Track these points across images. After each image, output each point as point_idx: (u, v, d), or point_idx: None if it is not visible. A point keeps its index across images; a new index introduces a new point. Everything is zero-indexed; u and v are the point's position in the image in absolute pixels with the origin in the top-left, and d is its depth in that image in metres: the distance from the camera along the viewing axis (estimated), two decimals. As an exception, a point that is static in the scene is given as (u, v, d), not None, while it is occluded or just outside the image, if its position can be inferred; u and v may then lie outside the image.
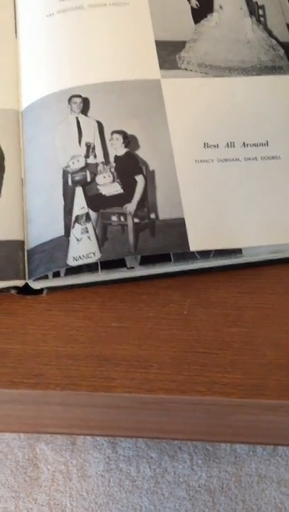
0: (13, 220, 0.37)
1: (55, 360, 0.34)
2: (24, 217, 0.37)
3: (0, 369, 0.34)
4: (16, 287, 0.36)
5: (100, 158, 0.38)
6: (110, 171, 0.37)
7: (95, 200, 0.36)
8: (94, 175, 0.37)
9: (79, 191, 0.37)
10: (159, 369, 0.34)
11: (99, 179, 0.37)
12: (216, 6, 0.43)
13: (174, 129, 0.38)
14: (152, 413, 0.40)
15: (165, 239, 0.35)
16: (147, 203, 0.36)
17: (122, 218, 0.36)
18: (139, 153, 0.38)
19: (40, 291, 0.36)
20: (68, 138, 0.38)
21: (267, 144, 0.38)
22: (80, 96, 0.39)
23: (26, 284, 0.36)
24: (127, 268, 0.36)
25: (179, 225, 0.36)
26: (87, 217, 0.36)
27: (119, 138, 0.38)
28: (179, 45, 0.41)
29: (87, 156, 0.38)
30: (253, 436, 0.47)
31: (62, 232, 0.36)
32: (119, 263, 0.35)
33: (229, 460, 0.54)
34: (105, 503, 0.52)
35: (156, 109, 0.39)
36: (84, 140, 0.38)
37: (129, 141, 0.38)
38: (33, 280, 0.35)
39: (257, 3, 0.44)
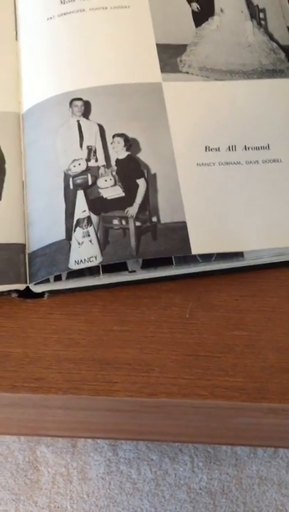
0: (14, 223, 0.37)
1: (57, 364, 0.34)
2: (25, 220, 0.37)
3: (1, 373, 0.34)
4: (17, 291, 0.36)
5: (102, 162, 0.38)
6: (112, 174, 0.37)
7: (97, 204, 0.36)
8: (95, 178, 0.37)
9: (80, 195, 0.37)
10: (161, 373, 0.34)
11: (100, 182, 0.37)
12: (216, 9, 0.43)
13: (176, 133, 0.38)
14: (154, 416, 0.40)
15: (167, 242, 0.35)
16: (149, 206, 0.36)
17: (124, 222, 0.36)
18: (141, 156, 0.38)
19: (41, 294, 0.36)
20: (69, 141, 0.38)
21: (268, 147, 0.38)
22: (81, 99, 0.39)
23: (27, 287, 0.36)
24: (129, 271, 0.36)
25: (180, 229, 0.36)
26: (89, 220, 0.36)
27: (121, 141, 0.38)
28: (180, 49, 0.41)
29: (88, 160, 0.38)
30: (254, 439, 0.47)
31: (63, 236, 0.36)
32: (120, 266, 0.35)
33: (230, 462, 0.54)
34: (106, 505, 0.52)
35: (157, 112, 0.39)
36: (85, 143, 0.38)
37: (131, 144, 0.38)
38: (34, 284, 0.35)
39: (258, 6, 0.44)
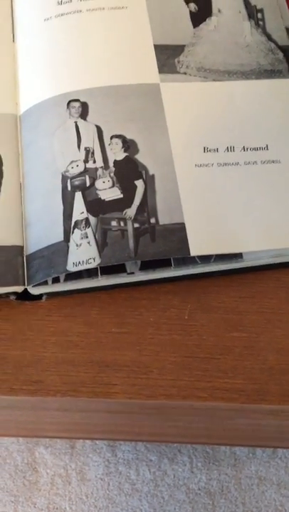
0: (11, 225, 0.37)
1: (55, 366, 0.34)
2: (23, 222, 0.37)
3: (-1, 375, 0.34)
4: (15, 293, 0.36)
5: (100, 163, 0.37)
6: (110, 175, 0.37)
7: (95, 205, 0.36)
8: (93, 180, 0.37)
9: (78, 196, 0.36)
10: (160, 374, 0.34)
11: (98, 184, 0.37)
12: (214, 9, 0.43)
13: (174, 134, 0.38)
14: (153, 418, 0.40)
15: (165, 244, 0.35)
16: (147, 207, 0.36)
17: (122, 223, 0.36)
18: (139, 157, 0.38)
19: (39, 296, 0.36)
20: (67, 142, 0.38)
21: (267, 147, 0.38)
22: (78, 100, 0.39)
23: (25, 289, 0.36)
24: (127, 273, 0.35)
25: (179, 230, 0.36)
26: (87, 222, 0.36)
27: (119, 142, 0.38)
28: (177, 49, 0.41)
29: (86, 161, 0.37)
30: (253, 440, 0.47)
31: (61, 238, 0.36)
32: (119, 268, 0.35)
33: (229, 462, 0.54)
34: (105, 506, 0.52)
35: (155, 113, 0.39)
36: (83, 145, 0.38)
37: (129, 145, 0.38)
38: (33, 286, 0.35)
39: (256, 6, 0.44)
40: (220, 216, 0.36)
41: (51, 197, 0.37)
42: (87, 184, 0.37)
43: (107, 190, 0.37)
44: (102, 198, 0.37)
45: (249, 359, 0.34)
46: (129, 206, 0.36)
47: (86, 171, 0.37)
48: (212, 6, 0.43)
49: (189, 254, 0.35)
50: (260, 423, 0.40)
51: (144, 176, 0.37)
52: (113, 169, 0.37)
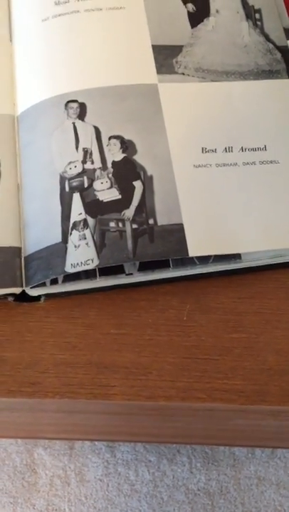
0: (9, 226, 0.37)
1: (53, 368, 0.34)
2: (21, 223, 0.37)
3: (-3, 377, 0.34)
4: (13, 294, 0.35)
5: (98, 164, 0.37)
6: (108, 176, 0.37)
7: (93, 206, 0.36)
8: (91, 181, 0.37)
9: (76, 197, 0.36)
10: (159, 376, 0.34)
11: (96, 185, 0.37)
12: (212, 10, 0.43)
13: (172, 134, 0.38)
14: (152, 419, 0.40)
15: (164, 245, 0.35)
16: (145, 208, 0.36)
17: (120, 224, 0.36)
18: (137, 158, 0.37)
19: (37, 298, 0.36)
20: (65, 143, 0.38)
21: (265, 148, 0.38)
22: (76, 101, 0.39)
23: (23, 291, 0.35)
24: (126, 274, 0.35)
25: (177, 231, 0.35)
26: (85, 223, 0.36)
27: (117, 143, 0.38)
28: (175, 50, 0.41)
29: (84, 162, 0.37)
30: (252, 440, 0.47)
31: (59, 239, 0.35)
32: (117, 269, 0.35)
33: (228, 463, 0.54)
34: (104, 507, 0.52)
35: (153, 113, 0.39)
36: (81, 145, 0.38)
37: (127, 146, 0.38)
38: (31, 287, 0.35)
39: (253, 7, 0.44)
40: (218, 217, 0.36)
41: (49, 198, 0.37)
42: (86, 185, 0.37)
43: (105, 191, 0.37)
44: (101, 199, 0.36)
45: (248, 360, 0.34)
46: (128, 207, 0.36)
47: (84, 171, 0.37)
48: (210, 7, 0.43)
49: (188, 254, 0.35)
50: (260, 423, 0.40)
51: (142, 177, 0.37)
52: (111, 170, 0.37)
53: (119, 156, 0.38)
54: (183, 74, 0.41)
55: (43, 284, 0.35)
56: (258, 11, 0.43)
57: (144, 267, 0.35)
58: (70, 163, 0.37)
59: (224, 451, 0.53)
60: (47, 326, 0.35)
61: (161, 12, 0.43)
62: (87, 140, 0.38)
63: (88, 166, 0.37)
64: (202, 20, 0.43)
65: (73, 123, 0.39)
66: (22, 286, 0.35)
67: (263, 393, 0.33)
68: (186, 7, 0.43)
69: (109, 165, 0.37)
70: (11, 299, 0.36)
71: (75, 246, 0.35)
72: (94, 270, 0.35)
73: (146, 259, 0.35)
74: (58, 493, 0.52)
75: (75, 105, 0.39)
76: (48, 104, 0.39)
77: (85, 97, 0.39)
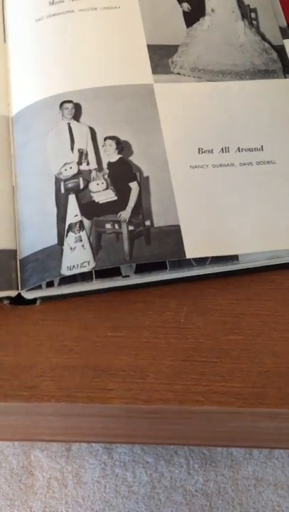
0: (4, 228, 0.36)
1: (50, 371, 0.34)
2: (16, 225, 0.37)
3: (-7, 381, 0.33)
4: (8, 297, 0.35)
5: (93, 165, 0.37)
6: (104, 177, 0.37)
7: (89, 208, 0.36)
8: (87, 182, 0.37)
9: (72, 199, 0.36)
10: (156, 379, 0.33)
11: (92, 186, 0.36)
12: (207, 9, 0.43)
13: (168, 134, 0.38)
14: (149, 421, 0.40)
15: (160, 246, 0.35)
16: (142, 210, 0.36)
17: (117, 226, 0.35)
18: (133, 159, 0.37)
19: (33, 301, 0.36)
20: (60, 144, 0.38)
21: (262, 148, 0.38)
22: (71, 101, 0.39)
23: (19, 294, 0.35)
24: (122, 276, 0.35)
25: (174, 232, 0.35)
26: (81, 225, 0.35)
27: (112, 144, 0.37)
28: (171, 49, 0.41)
29: (79, 163, 0.37)
30: (250, 441, 0.47)
31: (55, 241, 0.35)
32: (114, 271, 0.35)
33: (226, 463, 0.54)
34: (101, 509, 0.52)
35: (149, 114, 0.38)
36: (76, 146, 0.37)
37: (123, 147, 0.37)
38: (26, 290, 0.35)
39: (249, 6, 0.43)
40: (215, 218, 0.36)
41: (44, 200, 0.36)
42: (81, 186, 0.36)
43: (101, 193, 0.36)
44: (96, 200, 0.36)
45: (246, 362, 0.34)
46: (124, 208, 0.36)
47: (80, 173, 0.37)
48: (205, 6, 0.43)
49: (185, 256, 0.35)
50: (258, 425, 0.40)
51: (138, 178, 0.37)
52: (107, 171, 0.37)
53: (114, 157, 0.37)
54: (178, 74, 0.40)
55: (39, 287, 0.35)
56: (254, 10, 0.43)
57: (141, 268, 0.35)
58: (65, 164, 0.37)
59: (222, 452, 0.53)
60: (43, 329, 0.35)
61: (157, 11, 0.42)
62: (83, 141, 0.38)
63: (84, 167, 0.37)
64: (197, 20, 0.42)
65: (68, 124, 0.38)
66: (17, 289, 0.35)
67: (261, 396, 0.33)
68: (181, 6, 0.43)
69: (104, 166, 0.37)
70: (6, 302, 0.35)
71: (71, 248, 0.35)
72: (90, 272, 0.35)
73: (142, 261, 0.35)
74: (55, 496, 0.52)
75: (70, 106, 0.39)
76: (42, 104, 0.39)
77: (79, 97, 0.39)
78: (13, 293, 0.35)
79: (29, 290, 0.35)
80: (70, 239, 0.35)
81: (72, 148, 0.37)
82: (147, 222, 0.35)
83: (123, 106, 0.38)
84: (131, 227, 0.35)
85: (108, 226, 0.35)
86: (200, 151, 0.38)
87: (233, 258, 0.35)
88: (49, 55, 0.40)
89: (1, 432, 0.47)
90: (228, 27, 0.42)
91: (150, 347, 0.34)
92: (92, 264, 0.34)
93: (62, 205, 0.36)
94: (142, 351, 0.34)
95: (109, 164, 0.37)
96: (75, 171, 0.37)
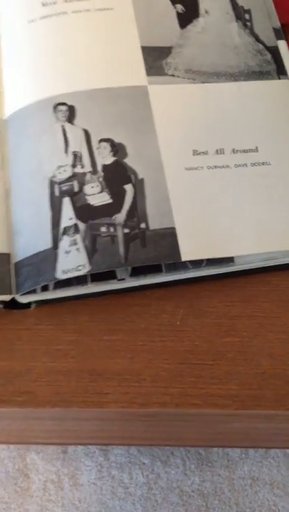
0: (-2, 231, 0.36)
1: (45, 376, 0.33)
2: (10, 229, 0.36)
3: (-13, 387, 0.33)
4: (2, 302, 0.35)
5: (88, 168, 0.37)
6: (98, 180, 0.36)
7: (84, 211, 0.36)
8: (82, 185, 0.36)
9: (66, 202, 0.36)
10: (153, 382, 0.33)
11: (87, 189, 0.36)
12: (201, 10, 0.43)
13: (163, 136, 0.38)
14: (146, 424, 0.40)
15: (156, 249, 0.35)
16: (137, 212, 0.36)
17: (112, 229, 0.35)
18: (128, 161, 0.37)
19: (28, 305, 0.35)
20: (54, 147, 0.37)
21: (257, 149, 0.38)
22: (65, 104, 0.38)
23: (13, 298, 0.35)
24: (118, 279, 0.35)
25: (169, 235, 0.35)
26: (76, 228, 0.35)
27: (107, 146, 0.37)
28: (165, 51, 0.41)
29: (74, 166, 0.37)
30: (246, 441, 0.47)
31: (50, 245, 0.35)
32: (109, 275, 0.35)
33: (222, 463, 0.54)
34: (98, 511, 0.52)
35: (143, 116, 0.38)
36: (70, 149, 0.37)
37: (117, 149, 0.37)
38: (21, 294, 0.35)
39: (243, 7, 0.43)
40: (211, 220, 0.36)
41: (39, 203, 0.36)
42: (76, 189, 0.36)
43: (96, 196, 0.36)
44: (91, 203, 0.36)
45: (242, 364, 0.34)
46: (119, 211, 0.36)
47: (74, 176, 0.37)
48: (199, 7, 0.43)
49: (180, 259, 0.35)
50: (254, 426, 0.40)
51: (133, 180, 0.37)
52: (102, 174, 0.37)
53: (109, 160, 0.37)
54: (173, 75, 0.40)
55: (34, 291, 0.35)
56: (248, 11, 0.43)
57: (137, 271, 0.35)
58: (59, 167, 0.37)
59: (218, 452, 0.53)
60: (38, 334, 0.35)
61: (150, 13, 0.42)
62: (77, 143, 0.37)
63: (78, 169, 0.37)
64: (191, 21, 0.42)
65: (62, 126, 0.38)
66: (12, 293, 0.35)
67: (258, 398, 0.33)
68: (175, 7, 0.43)
69: (99, 168, 0.37)
70: (0, 306, 0.35)
71: (66, 252, 0.34)
72: (85, 276, 0.34)
73: (138, 264, 0.35)
74: (51, 498, 0.52)
75: (64, 108, 0.38)
76: (36, 107, 0.38)
77: (73, 99, 0.38)
78: (7, 297, 0.35)
79: (24, 294, 0.35)
80: (65, 242, 0.35)
81: (66, 151, 0.37)
82: (142, 225, 0.35)
83: (117, 108, 0.38)
84: (126, 230, 0.35)
85: (103, 229, 0.35)
86: (195, 152, 0.38)
87: (229, 260, 0.35)
88: (42, 57, 0.40)
89: (-4, 436, 0.46)
90: (222, 28, 0.42)
91: (146, 350, 0.34)
92: (88, 268, 0.34)
93: (56, 209, 0.36)
94: (138, 354, 0.34)
95: (104, 167, 0.37)
96: (69, 173, 0.37)
